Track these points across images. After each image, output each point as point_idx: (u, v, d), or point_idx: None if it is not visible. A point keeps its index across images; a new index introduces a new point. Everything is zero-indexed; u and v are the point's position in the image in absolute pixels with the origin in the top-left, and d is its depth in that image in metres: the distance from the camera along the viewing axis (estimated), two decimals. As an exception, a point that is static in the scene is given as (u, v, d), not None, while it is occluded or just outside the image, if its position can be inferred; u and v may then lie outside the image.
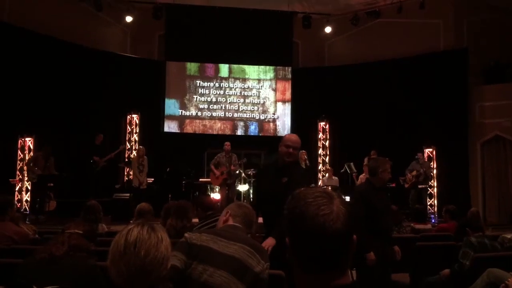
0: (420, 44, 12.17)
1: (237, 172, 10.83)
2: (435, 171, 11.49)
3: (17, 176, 10.36)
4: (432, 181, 11.49)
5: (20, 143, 10.52)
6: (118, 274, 1.35)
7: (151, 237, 1.40)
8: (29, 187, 10.22)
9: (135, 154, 11.38)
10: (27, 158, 10.32)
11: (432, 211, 11.38)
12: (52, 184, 10.03)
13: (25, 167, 10.12)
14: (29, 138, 10.48)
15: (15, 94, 10.33)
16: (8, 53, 10.24)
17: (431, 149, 11.56)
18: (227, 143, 10.53)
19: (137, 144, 12.35)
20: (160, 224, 4.21)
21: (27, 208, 10.05)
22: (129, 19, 12.57)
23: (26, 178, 10.20)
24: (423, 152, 11.33)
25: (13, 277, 2.32)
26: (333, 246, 1.17)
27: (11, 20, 10.53)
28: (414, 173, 10.72)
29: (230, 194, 10.40)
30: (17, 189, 10.39)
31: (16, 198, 10.27)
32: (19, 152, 10.49)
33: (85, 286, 2.27)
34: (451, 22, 12.12)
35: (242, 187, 11.71)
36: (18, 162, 10.42)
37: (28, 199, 10.12)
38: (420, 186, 10.83)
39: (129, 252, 1.36)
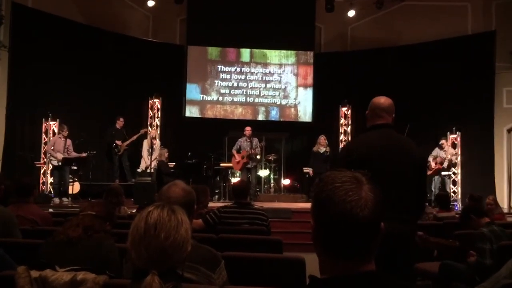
0: (446, 28, 11.87)
1: (258, 157, 10.82)
2: (459, 158, 11.28)
3: (42, 159, 10.54)
4: (456, 168, 11.30)
5: (45, 127, 10.67)
6: (139, 257, 1.34)
7: (171, 220, 1.38)
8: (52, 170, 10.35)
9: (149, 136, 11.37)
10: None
11: (456, 198, 11.20)
12: (76, 167, 10.20)
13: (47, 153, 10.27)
14: (53, 122, 10.63)
15: (39, 79, 10.50)
16: (33, 38, 10.38)
17: (455, 136, 11.34)
18: (248, 128, 10.52)
19: (159, 128, 12.43)
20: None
21: (51, 191, 10.22)
22: (151, 3, 12.54)
23: (50, 160, 10.34)
24: (447, 138, 11.12)
25: (35, 257, 2.36)
26: (359, 234, 1.13)
27: (34, 5, 10.65)
28: (438, 159, 10.55)
29: (251, 179, 10.41)
30: (42, 171, 10.57)
31: (41, 181, 10.46)
32: (43, 135, 10.65)
33: (103, 266, 2.29)
34: (479, 4, 11.78)
35: (263, 172, 11.71)
36: (43, 145, 10.58)
37: (53, 181, 10.28)
38: (443, 173, 10.67)
39: (149, 235, 1.35)
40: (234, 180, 10.57)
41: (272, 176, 11.97)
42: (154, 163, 10.73)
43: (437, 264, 4.36)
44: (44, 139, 10.62)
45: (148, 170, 10.54)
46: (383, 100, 2.99)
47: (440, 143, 10.78)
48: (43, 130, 10.66)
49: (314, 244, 1.20)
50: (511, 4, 11.33)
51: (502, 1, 11.47)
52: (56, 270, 2.19)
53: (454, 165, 11.11)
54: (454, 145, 11.27)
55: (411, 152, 2.86)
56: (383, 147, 2.79)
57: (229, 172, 11.16)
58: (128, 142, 11.07)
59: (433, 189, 10.59)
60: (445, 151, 10.68)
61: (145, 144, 10.86)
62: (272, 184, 11.99)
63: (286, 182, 12.45)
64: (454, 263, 4.21)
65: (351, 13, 12.94)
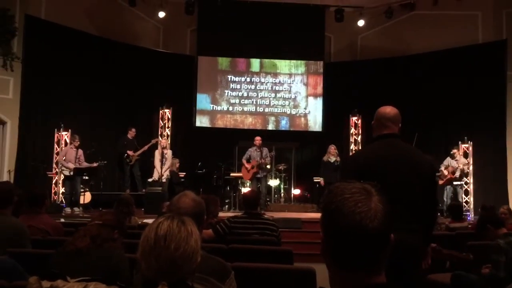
0: (456, 37, 11.83)
1: (268, 166, 10.82)
2: (471, 167, 11.17)
3: (53, 169, 10.63)
4: (468, 177, 11.18)
5: (57, 137, 10.77)
6: (149, 268, 1.35)
7: (181, 231, 1.39)
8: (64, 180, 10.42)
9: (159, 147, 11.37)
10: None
11: (468, 208, 11.08)
12: (87, 177, 10.27)
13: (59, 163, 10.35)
14: (65, 133, 10.73)
15: (51, 90, 10.66)
16: (45, 49, 10.54)
17: (467, 145, 11.24)
18: (258, 137, 10.52)
19: (169, 138, 12.49)
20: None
21: (63, 200, 10.29)
22: (161, 14, 12.68)
23: (62, 171, 10.42)
24: (458, 148, 11.03)
25: (47, 267, 2.37)
26: (369, 245, 1.13)
27: (47, 17, 10.81)
28: (450, 169, 10.46)
29: (262, 189, 10.41)
30: (53, 181, 10.65)
31: (52, 191, 10.54)
32: (55, 146, 10.75)
33: (113, 276, 2.30)
34: (490, 13, 11.74)
35: (273, 182, 11.69)
36: (55, 155, 10.68)
37: (64, 191, 10.35)
38: (455, 183, 10.57)
39: (159, 246, 1.35)
40: (244, 190, 10.55)
41: (282, 186, 11.94)
42: (166, 173, 10.78)
43: (449, 275, 4.30)
44: (56, 149, 10.72)
45: (161, 180, 10.59)
46: (388, 110, 2.95)
47: (451, 152, 10.69)
48: (55, 140, 10.76)
49: (324, 256, 1.19)
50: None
51: (512, 10, 11.42)
52: (67, 280, 2.20)
53: (466, 174, 10.99)
54: (465, 155, 11.16)
55: (418, 162, 2.82)
56: (390, 157, 2.76)
57: (239, 182, 11.15)
58: (139, 152, 11.15)
59: (445, 199, 10.49)
60: (456, 160, 10.59)
61: (157, 154, 10.91)
62: (282, 194, 11.95)
63: (296, 191, 12.41)
64: (466, 273, 4.15)
65: (361, 23, 12.96)
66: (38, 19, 10.61)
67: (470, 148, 11.15)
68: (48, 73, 10.58)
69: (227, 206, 11.00)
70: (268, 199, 11.22)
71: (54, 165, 10.65)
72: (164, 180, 10.66)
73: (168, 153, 10.96)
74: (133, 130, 11.23)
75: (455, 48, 11.77)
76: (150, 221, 2.65)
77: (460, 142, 11.15)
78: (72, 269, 2.29)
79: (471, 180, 11.14)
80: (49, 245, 3.49)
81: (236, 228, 4.45)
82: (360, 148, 12.58)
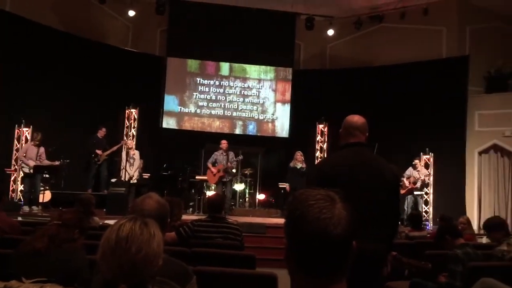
0: (422, 51, 12.15)
1: (234, 170, 10.81)
2: (431, 178, 11.47)
3: (12, 166, 10.30)
4: (429, 188, 11.48)
5: (17, 133, 10.46)
6: (109, 270, 1.32)
7: (144, 233, 1.36)
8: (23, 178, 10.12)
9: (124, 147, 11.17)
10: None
11: (427, 218, 11.36)
12: (47, 175, 9.99)
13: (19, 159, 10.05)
14: (27, 129, 10.42)
15: (14, 84, 10.32)
16: (8, 43, 10.21)
17: (428, 156, 11.54)
18: (224, 141, 10.51)
19: (135, 138, 12.31)
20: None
21: (21, 198, 9.98)
22: (131, 13, 12.53)
23: (21, 168, 10.12)
24: (420, 159, 11.31)
25: (4, 268, 2.29)
26: (332, 252, 1.13)
27: (13, 9, 10.50)
28: (412, 179, 10.71)
29: (227, 193, 10.38)
30: (12, 179, 10.32)
31: (10, 188, 10.22)
32: (15, 142, 10.43)
33: (72, 278, 2.24)
34: (454, 29, 12.11)
35: (238, 186, 11.68)
36: (15, 152, 10.36)
37: (23, 189, 10.04)
38: (416, 193, 10.83)
39: (120, 248, 1.32)
40: (209, 193, 10.50)
41: (247, 191, 11.96)
42: (136, 174, 10.63)
43: (407, 283, 4.38)
44: (16, 145, 10.40)
45: (131, 181, 10.43)
46: (356, 119, 2.99)
47: (413, 163, 10.95)
48: (15, 136, 10.44)
49: (287, 262, 1.19)
50: (484, 29, 11.69)
51: (476, 26, 11.82)
52: (22, 281, 2.13)
53: (427, 185, 11.28)
54: (427, 165, 11.45)
55: (383, 171, 2.85)
56: (356, 165, 2.79)
57: (204, 185, 11.10)
58: (108, 152, 10.97)
59: (406, 208, 10.72)
60: (418, 171, 10.85)
61: (124, 155, 10.75)
62: (247, 199, 11.96)
63: (261, 196, 12.44)
64: (424, 281, 4.25)
65: (330, 32, 13.14)
66: (2, 11, 10.28)
67: (431, 160, 11.45)
68: (10, 67, 10.23)
69: (191, 209, 10.92)
70: (232, 203, 11.20)
71: (13, 162, 10.32)
72: (135, 181, 10.52)
73: (136, 153, 10.81)
74: (103, 129, 11.03)
75: (420, 62, 12.07)
76: (111, 222, 2.60)
77: (422, 153, 11.43)
78: (30, 271, 2.22)
79: (431, 191, 11.44)
80: (5, 244, 3.38)
81: (199, 232, 4.42)
82: (325, 155, 12.72)
